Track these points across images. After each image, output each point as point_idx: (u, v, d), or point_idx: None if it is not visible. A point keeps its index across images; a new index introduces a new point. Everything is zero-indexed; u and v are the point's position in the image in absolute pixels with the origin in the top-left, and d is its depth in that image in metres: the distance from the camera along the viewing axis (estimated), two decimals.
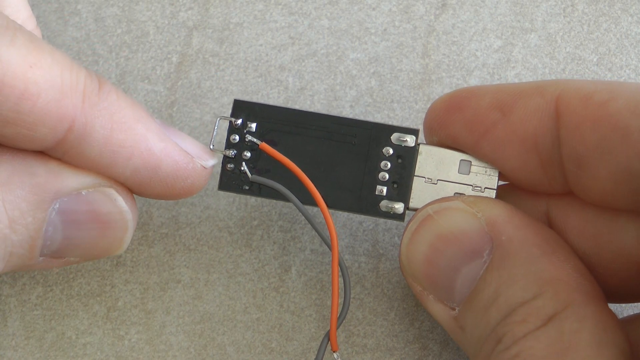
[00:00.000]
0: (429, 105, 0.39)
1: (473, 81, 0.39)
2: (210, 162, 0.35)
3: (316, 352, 0.37)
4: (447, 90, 0.39)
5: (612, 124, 0.31)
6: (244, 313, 0.38)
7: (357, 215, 0.37)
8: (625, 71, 0.39)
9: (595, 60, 0.39)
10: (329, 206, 0.34)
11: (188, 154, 0.34)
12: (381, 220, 0.38)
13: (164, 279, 0.38)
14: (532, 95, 0.32)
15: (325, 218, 0.34)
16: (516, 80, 0.39)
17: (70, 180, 0.33)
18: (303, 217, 0.38)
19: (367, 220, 0.38)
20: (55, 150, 0.33)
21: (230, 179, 0.35)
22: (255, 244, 0.38)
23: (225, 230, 0.38)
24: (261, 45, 0.39)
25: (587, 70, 0.39)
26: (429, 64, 0.39)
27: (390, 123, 0.37)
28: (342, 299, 0.35)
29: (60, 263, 0.34)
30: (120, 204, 0.34)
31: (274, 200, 0.38)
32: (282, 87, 0.39)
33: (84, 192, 0.33)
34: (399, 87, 0.39)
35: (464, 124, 0.33)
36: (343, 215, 0.38)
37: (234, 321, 0.38)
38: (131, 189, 0.34)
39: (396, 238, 0.38)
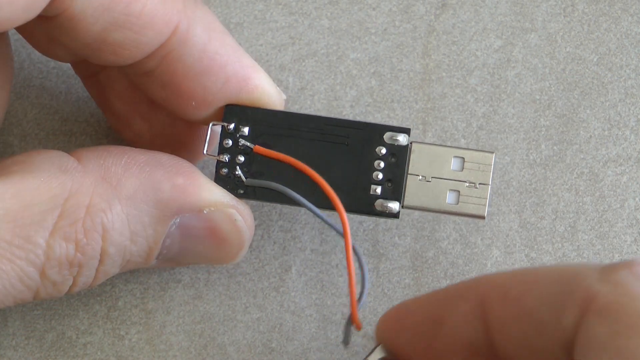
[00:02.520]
0: (429, 105, 0.39)
1: (473, 81, 0.39)
2: (284, 95, 0.36)
3: (316, 352, 0.37)
4: (447, 90, 0.39)
5: (528, 320, 0.29)
6: (244, 313, 0.38)
7: (357, 215, 0.37)
8: (625, 71, 0.39)
9: (595, 60, 0.39)
10: (323, 207, 0.34)
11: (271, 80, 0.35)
12: (381, 220, 0.38)
13: (164, 278, 0.38)
14: (457, 303, 0.31)
15: (330, 196, 0.34)
16: (516, 80, 0.39)
17: (194, 197, 0.34)
18: (303, 217, 0.38)
19: (367, 220, 0.38)
20: (155, 56, 0.33)
21: (224, 184, 0.35)
22: (255, 244, 0.38)
23: None
24: (261, 45, 0.39)
25: (587, 70, 0.39)
26: (429, 64, 0.39)
27: (383, 122, 0.37)
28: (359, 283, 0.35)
29: (172, 264, 0.35)
30: (239, 224, 0.35)
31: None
32: (282, 87, 0.39)
33: (205, 210, 0.34)
34: (399, 87, 0.39)
35: (409, 343, 0.32)
36: None
37: (234, 321, 0.38)
38: (219, 102, 0.34)
39: (396, 238, 0.38)
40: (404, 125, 0.36)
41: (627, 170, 0.39)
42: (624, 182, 0.39)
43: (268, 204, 0.38)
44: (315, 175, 0.34)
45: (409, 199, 0.35)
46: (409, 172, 0.35)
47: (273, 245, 0.38)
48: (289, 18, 0.40)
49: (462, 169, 0.35)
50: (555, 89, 0.39)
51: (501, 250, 0.38)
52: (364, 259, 0.34)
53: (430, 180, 0.35)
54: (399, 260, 0.38)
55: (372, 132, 0.35)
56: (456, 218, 0.38)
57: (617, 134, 0.39)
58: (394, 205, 0.35)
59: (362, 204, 0.35)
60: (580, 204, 0.38)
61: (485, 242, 0.38)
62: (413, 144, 0.35)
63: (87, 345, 0.37)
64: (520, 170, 0.39)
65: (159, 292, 0.38)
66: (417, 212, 0.38)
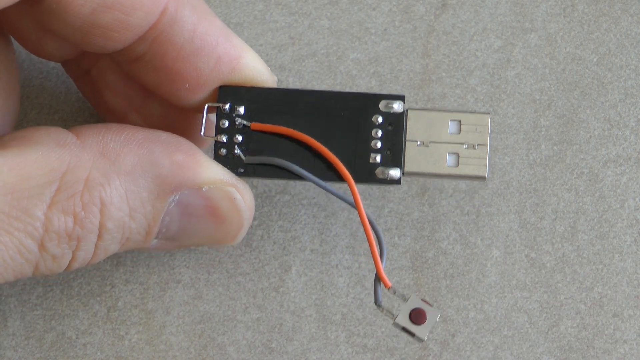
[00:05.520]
0: (429, 105, 0.39)
1: (473, 81, 0.39)
2: (275, 77, 0.36)
3: (316, 352, 0.37)
4: (447, 90, 0.39)
5: None
6: (244, 313, 0.38)
7: (357, 215, 0.37)
8: (625, 71, 0.39)
9: (595, 60, 0.39)
10: (325, 180, 0.34)
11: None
12: (381, 220, 0.38)
13: (164, 279, 0.38)
14: None
15: (332, 160, 0.34)
16: (516, 81, 0.39)
17: (193, 174, 0.34)
18: (303, 217, 0.38)
19: None
20: (146, 39, 0.33)
21: (224, 164, 0.35)
22: (255, 244, 0.38)
23: None
24: (261, 45, 0.40)
25: (587, 70, 0.39)
26: (429, 64, 0.39)
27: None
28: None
29: (173, 246, 0.35)
30: (238, 203, 0.34)
31: (273, 199, 0.38)
32: (282, 87, 0.39)
33: (204, 188, 0.34)
34: (399, 87, 0.39)
35: None
36: (343, 215, 0.38)
37: (234, 321, 0.38)
38: (212, 84, 0.35)
39: (396, 238, 0.38)
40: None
41: (627, 170, 0.39)
42: (624, 182, 0.39)
43: (268, 203, 0.38)
44: (315, 142, 0.34)
45: (409, 164, 0.35)
46: (407, 138, 0.35)
47: (273, 245, 0.38)
48: (289, 18, 0.40)
49: (460, 131, 0.35)
50: (555, 89, 0.39)
51: (501, 250, 0.38)
52: (375, 221, 0.34)
53: (428, 145, 0.35)
54: (399, 260, 0.38)
55: (367, 102, 0.35)
56: (456, 218, 0.38)
57: (617, 134, 0.39)
58: (395, 172, 0.35)
59: (363, 173, 0.35)
60: (580, 204, 0.38)
61: (485, 242, 0.38)
62: (409, 111, 0.35)
63: (87, 345, 0.37)
64: (520, 171, 0.39)
65: (159, 292, 0.38)
66: (417, 212, 0.38)
